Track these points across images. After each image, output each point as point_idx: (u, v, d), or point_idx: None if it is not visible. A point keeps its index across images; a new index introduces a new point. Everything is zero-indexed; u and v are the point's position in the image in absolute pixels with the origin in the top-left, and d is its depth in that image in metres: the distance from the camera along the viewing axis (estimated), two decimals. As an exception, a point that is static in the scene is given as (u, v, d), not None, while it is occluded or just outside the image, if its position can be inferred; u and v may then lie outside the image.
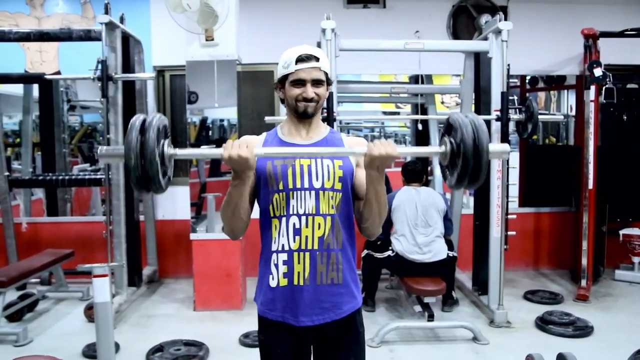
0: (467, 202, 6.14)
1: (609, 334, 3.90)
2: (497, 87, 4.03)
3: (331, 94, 3.88)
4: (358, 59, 4.89)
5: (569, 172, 5.64)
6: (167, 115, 5.45)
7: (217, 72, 4.21)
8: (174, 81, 5.39)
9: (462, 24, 5.44)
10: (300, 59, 1.66)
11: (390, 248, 4.20)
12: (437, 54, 5.22)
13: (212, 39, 4.13)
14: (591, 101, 4.75)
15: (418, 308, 4.06)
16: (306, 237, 1.65)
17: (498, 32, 3.97)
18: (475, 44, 4.13)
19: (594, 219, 4.85)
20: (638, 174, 5.39)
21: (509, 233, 4.16)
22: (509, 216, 4.14)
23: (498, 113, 4.03)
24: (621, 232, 5.33)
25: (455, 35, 5.44)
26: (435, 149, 1.68)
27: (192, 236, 4.37)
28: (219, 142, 4.65)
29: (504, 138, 4.00)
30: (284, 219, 1.66)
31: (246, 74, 5.25)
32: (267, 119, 4.12)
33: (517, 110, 4.05)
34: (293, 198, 1.66)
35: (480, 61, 4.44)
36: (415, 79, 6.01)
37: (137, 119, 1.52)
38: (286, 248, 1.66)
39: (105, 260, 4.12)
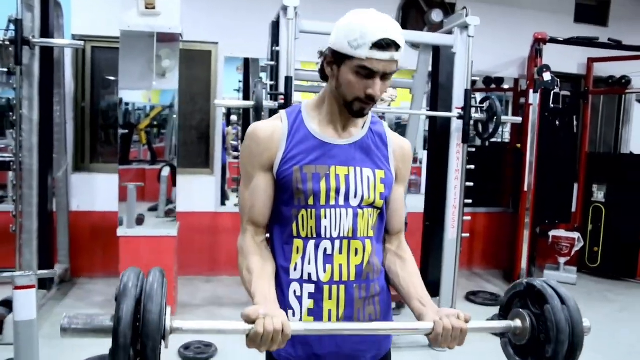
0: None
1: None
2: (460, 84, 3.87)
3: (289, 79, 3.51)
4: (302, 45, 4.54)
5: (504, 173, 5.72)
6: (87, 95, 4.77)
7: (157, 46, 3.67)
8: (97, 55, 4.71)
9: (412, 17, 5.29)
10: (379, 45, 1.19)
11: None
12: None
13: (153, 7, 3.59)
14: (528, 104, 4.81)
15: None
16: (340, 265, 1.31)
17: (465, 27, 3.81)
18: (440, 38, 3.95)
19: (532, 220, 4.93)
20: (565, 178, 5.56)
21: (463, 235, 4.05)
22: (465, 218, 4.03)
23: (460, 111, 3.88)
24: (550, 233, 5.49)
25: (404, 28, 5.27)
26: (506, 324, 1.28)
27: (119, 232, 3.80)
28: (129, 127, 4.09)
29: (465, 138, 3.86)
30: (311, 243, 1.31)
31: (181, 52, 4.71)
32: (217, 102, 3.65)
33: (478, 109, 3.93)
34: (325, 217, 1.30)
35: (440, 56, 4.28)
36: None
37: (131, 280, 1.09)
38: (313, 278, 1.30)
39: (11, 259, 3.46)
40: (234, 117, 6.37)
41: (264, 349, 1.11)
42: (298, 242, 1.31)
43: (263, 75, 5.70)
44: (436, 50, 4.34)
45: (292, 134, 1.32)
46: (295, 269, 1.32)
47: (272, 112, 3.61)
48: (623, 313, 4.71)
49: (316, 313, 1.30)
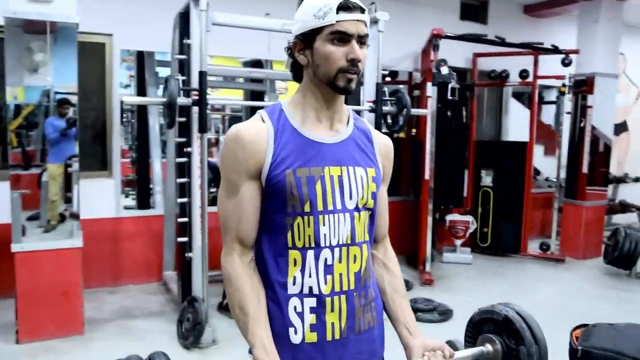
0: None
1: (466, 314, 4.18)
2: (371, 78, 3.96)
3: (203, 74, 3.35)
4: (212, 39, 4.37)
5: (402, 164, 5.96)
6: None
7: (28, 38, 3.30)
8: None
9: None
10: (345, 7, 1.16)
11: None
12: (286, 40, 4.99)
13: (44, -7, 3.21)
14: (425, 97, 5.07)
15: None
16: (340, 275, 1.23)
17: (374, 22, 3.91)
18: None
19: (432, 207, 5.21)
20: (457, 165, 5.93)
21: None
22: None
23: (371, 104, 3.97)
24: (447, 217, 5.85)
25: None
26: (477, 350, 1.40)
27: (14, 247, 3.37)
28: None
29: (377, 130, 3.96)
30: (310, 253, 1.21)
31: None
32: (126, 99, 3.37)
33: (389, 102, 4.05)
34: (324, 224, 1.21)
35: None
36: (251, 65, 5.67)
37: None
38: (315, 292, 1.22)
39: None
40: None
41: None
42: (294, 254, 1.21)
43: (160, 69, 5.41)
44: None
45: (279, 135, 1.22)
46: (294, 283, 1.22)
47: (183, 110, 3.42)
48: (515, 286, 5.17)
49: (319, 328, 1.22)
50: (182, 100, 3.30)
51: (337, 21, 1.16)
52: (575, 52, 5.80)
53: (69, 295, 3.53)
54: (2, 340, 3.48)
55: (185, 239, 3.58)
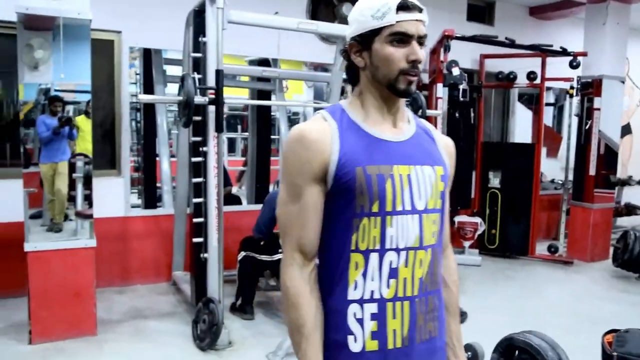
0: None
1: (480, 317, 4.15)
2: (386, 78, 3.93)
3: (220, 72, 3.31)
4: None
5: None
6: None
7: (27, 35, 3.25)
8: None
9: (322, 11, 5.26)
10: (404, 6, 1.13)
11: (280, 251, 3.78)
12: (296, 40, 4.97)
13: (58, -12, 3.17)
14: (438, 98, 5.06)
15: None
16: (404, 279, 1.17)
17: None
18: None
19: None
20: (465, 166, 5.92)
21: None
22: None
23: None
24: (455, 219, 5.83)
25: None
26: None
27: (27, 247, 3.31)
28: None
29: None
30: (374, 256, 1.15)
31: (80, 41, 4.23)
32: (142, 97, 3.33)
33: (404, 102, 4.02)
34: (391, 226, 1.15)
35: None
36: (258, 64, 5.64)
37: None
38: (376, 296, 1.16)
39: None
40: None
41: None
42: (357, 257, 1.16)
43: (167, 67, 5.37)
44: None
45: (343, 132, 1.17)
46: (355, 288, 1.16)
47: (198, 108, 3.38)
48: (525, 289, 5.15)
49: (380, 335, 1.17)
50: (198, 99, 3.26)
51: (397, 21, 1.13)
52: (584, 54, 5.79)
53: (82, 295, 3.47)
54: (15, 340, 3.43)
55: (200, 240, 3.53)
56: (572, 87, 5.87)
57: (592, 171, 6.13)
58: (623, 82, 6.15)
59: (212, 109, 3.35)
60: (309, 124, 1.19)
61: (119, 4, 4.37)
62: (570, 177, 6.26)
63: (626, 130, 8.19)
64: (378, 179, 1.14)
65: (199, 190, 3.54)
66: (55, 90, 3.58)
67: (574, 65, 5.68)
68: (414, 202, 1.18)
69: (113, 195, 4.52)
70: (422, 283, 1.20)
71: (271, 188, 6.40)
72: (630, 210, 7.26)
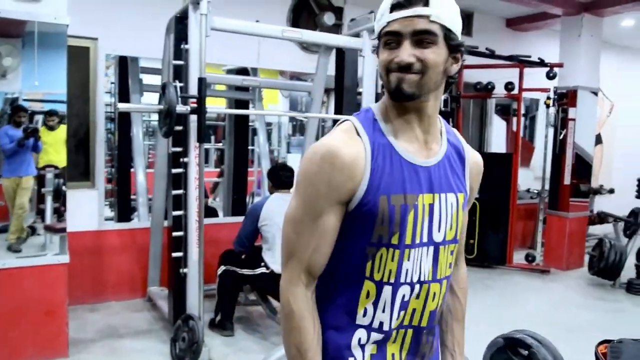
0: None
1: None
2: (369, 88, 3.89)
3: (203, 80, 3.20)
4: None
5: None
6: None
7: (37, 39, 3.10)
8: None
9: (304, 19, 5.20)
10: (397, 4, 1.02)
11: (262, 265, 3.67)
12: (277, 49, 4.90)
13: (32, -9, 3.01)
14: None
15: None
16: (413, 310, 1.12)
17: (373, 30, 3.83)
18: (350, 41, 3.92)
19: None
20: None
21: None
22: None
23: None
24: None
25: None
26: None
27: (-6, 264, 3.13)
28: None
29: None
30: (387, 289, 1.09)
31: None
32: (122, 106, 3.19)
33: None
34: (408, 260, 1.08)
35: (345, 59, 4.24)
36: (236, 73, 5.54)
37: None
38: (385, 328, 1.11)
39: None
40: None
41: None
42: (369, 285, 1.09)
43: (144, 76, 5.21)
44: (340, 53, 4.30)
45: (375, 152, 1.06)
46: (364, 315, 1.10)
47: (180, 118, 3.25)
48: (503, 298, 5.16)
49: (378, 358, 1.12)
50: (180, 108, 3.14)
51: (387, 22, 1.04)
52: (560, 65, 5.88)
53: (53, 315, 3.29)
54: (-21, 365, 3.22)
55: (180, 254, 3.40)
56: (548, 98, 5.94)
57: (567, 181, 6.21)
58: (596, 94, 6.27)
59: (194, 118, 3.24)
60: (342, 141, 1.06)
61: (96, 10, 4.22)
62: (547, 186, 6.33)
63: (597, 140, 8.36)
64: (401, 209, 1.06)
65: (179, 202, 3.41)
66: (24, 100, 3.42)
67: (550, 76, 5.76)
68: (431, 234, 1.11)
69: (86, 208, 4.34)
70: (433, 316, 1.16)
71: (248, 200, 6.29)
72: (602, 218, 7.37)
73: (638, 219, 5.66)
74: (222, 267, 3.84)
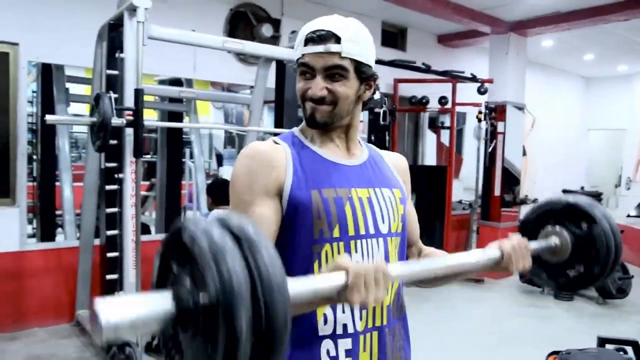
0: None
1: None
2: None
3: (140, 92, 3.02)
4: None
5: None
6: None
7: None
8: None
9: (241, 31, 5.10)
10: (311, 38, 1.09)
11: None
12: (213, 59, 4.78)
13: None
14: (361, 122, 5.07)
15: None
16: (374, 309, 1.11)
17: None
18: (287, 52, 3.85)
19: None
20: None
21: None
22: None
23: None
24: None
25: (233, 41, 5.07)
26: (545, 244, 1.23)
27: None
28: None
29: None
30: None
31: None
32: (50, 118, 2.95)
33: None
34: (356, 251, 1.09)
35: (286, 72, 4.18)
36: (169, 84, 5.34)
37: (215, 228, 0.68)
38: (350, 330, 1.09)
39: None
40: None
41: (371, 297, 0.86)
42: None
43: (70, 85, 4.91)
44: (280, 65, 4.24)
45: (296, 155, 1.13)
46: (325, 322, 1.07)
47: (115, 130, 3.06)
48: (444, 310, 5.24)
49: None
50: (115, 120, 2.95)
51: (302, 54, 1.11)
52: (490, 81, 6.12)
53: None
54: None
55: (114, 276, 3.18)
56: (480, 112, 6.16)
57: (497, 192, 6.46)
58: (521, 109, 6.58)
59: (129, 131, 3.05)
60: (261, 143, 1.15)
61: (17, 13, 3.90)
62: (471, 197, 6.56)
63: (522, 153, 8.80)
64: (335, 202, 1.08)
65: (113, 221, 3.20)
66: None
67: (481, 91, 5.98)
68: (377, 226, 1.12)
69: (6, 228, 3.98)
70: (390, 311, 1.15)
71: (190, 215, 6.05)
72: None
73: (563, 227, 5.94)
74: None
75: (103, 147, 3.01)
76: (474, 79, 5.89)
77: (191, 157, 6.23)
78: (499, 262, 1.11)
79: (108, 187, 3.16)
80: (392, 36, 6.57)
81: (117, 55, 3.08)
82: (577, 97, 9.86)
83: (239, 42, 3.52)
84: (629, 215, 7.83)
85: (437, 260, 1.08)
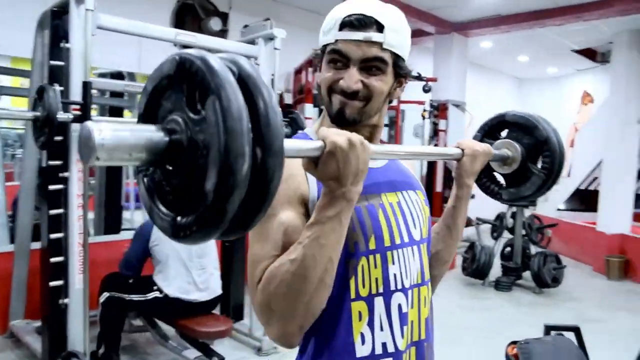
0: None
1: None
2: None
3: (88, 85, 2.83)
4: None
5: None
6: None
7: None
8: None
9: (188, 24, 4.90)
10: (348, 23, 0.97)
11: (155, 288, 3.31)
12: (158, 52, 4.56)
13: None
14: (307, 118, 5.02)
15: (193, 354, 3.37)
16: (412, 323, 1.03)
17: (270, 38, 3.73)
18: (246, 48, 3.75)
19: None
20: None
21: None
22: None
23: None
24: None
25: (179, 33, 4.87)
26: (501, 152, 1.29)
27: None
28: None
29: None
30: (378, 301, 0.98)
31: None
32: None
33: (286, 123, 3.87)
34: (393, 263, 1.00)
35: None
36: (110, 78, 5.07)
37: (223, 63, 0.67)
38: (390, 349, 0.99)
39: None
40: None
41: (347, 165, 0.82)
42: (358, 306, 0.97)
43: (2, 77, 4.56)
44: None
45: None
46: (363, 342, 0.97)
47: (61, 126, 2.84)
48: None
49: None
50: (62, 115, 2.73)
51: (336, 39, 0.98)
52: (434, 80, 6.26)
53: None
54: None
55: (59, 282, 2.95)
56: (425, 110, 6.29)
57: (438, 188, 6.63)
58: (458, 106, 6.78)
59: (76, 127, 2.84)
60: None
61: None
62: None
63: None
64: (368, 209, 0.99)
65: (58, 223, 2.97)
66: None
67: (426, 89, 6.10)
68: (410, 233, 1.05)
69: None
70: (428, 324, 1.08)
71: (127, 215, 5.79)
72: (468, 222, 8.01)
73: (503, 222, 6.19)
74: (106, 294, 3.40)
75: (48, 144, 2.79)
76: (419, 77, 6.00)
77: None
78: (460, 158, 1.14)
79: (52, 187, 2.93)
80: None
81: (62, 45, 2.86)
82: (512, 97, 10.33)
83: (192, 34, 3.37)
84: (559, 209, 8.28)
85: (412, 146, 1.09)
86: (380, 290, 0.98)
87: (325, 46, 1.00)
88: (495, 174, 1.35)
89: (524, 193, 1.28)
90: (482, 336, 4.36)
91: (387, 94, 1.03)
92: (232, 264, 4.12)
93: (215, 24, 4.84)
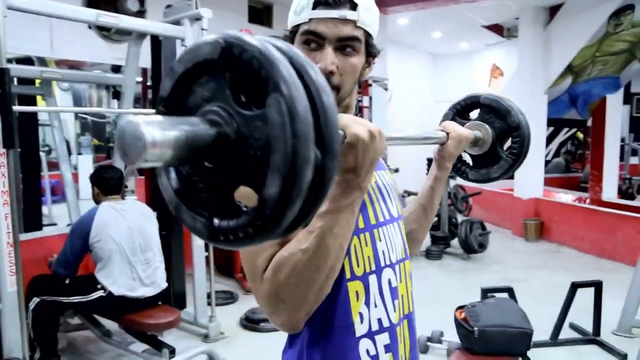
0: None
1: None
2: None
3: (6, 72, 2.61)
4: None
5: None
6: None
7: None
8: None
9: (103, 5, 4.62)
10: (321, 2, 0.95)
11: (99, 287, 3.14)
12: (72, 36, 4.32)
13: None
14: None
15: (140, 347, 3.27)
16: (402, 297, 1.07)
17: (197, 19, 3.61)
18: (171, 29, 3.59)
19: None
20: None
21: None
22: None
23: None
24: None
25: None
26: (474, 134, 1.31)
27: None
28: None
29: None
30: (372, 278, 1.00)
31: None
32: None
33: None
34: (380, 240, 1.03)
35: (162, 49, 3.90)
36: (16, 63, 4.71)
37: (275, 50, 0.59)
38: (385, 324, 1.01)
39: None
40: None
41: (366, 157, 0.82)
42: (355, 285, 0.98)
43: None
44: (156, 42, 3.95)
45: None
46: (362, 322, 0.99)
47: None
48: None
49: None
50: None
51: (309, 19, 0.96)
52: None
53: None
54: None
55: (-12, 287, 2.74)
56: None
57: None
58: (379, 82, 6.94)
59: (-3, 120, 2.63)
60: None
61: None
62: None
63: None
64: None
65: (-18, 223, 2.75)
66: None
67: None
68: (390, 210, 1.09)
69: None
70: (413, 297, 1.13)
71: (45, 210, 5.44)
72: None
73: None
74: (35, 300, 3.16)
75: (-35, 138, 2.56)
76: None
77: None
78: (445, 142, 1.17)
79: (-27, 185, 2.70)
80: (258, 12, 6.48)
81: (-29, 29, 2.61)
82: (427, 72, 10.69)
83: (115, 16, 3.18)
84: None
85: (398, 131, 1.08)
86: (373, 267, 1.01)
87: (297, 27, 0.98)
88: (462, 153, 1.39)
89: (492, 175, 1.34)
90: (421, 303, 4.54)
91: (358, 75, 1.02)
92: (170, 253, 4.02)
93: (132, 4, 4.61)
